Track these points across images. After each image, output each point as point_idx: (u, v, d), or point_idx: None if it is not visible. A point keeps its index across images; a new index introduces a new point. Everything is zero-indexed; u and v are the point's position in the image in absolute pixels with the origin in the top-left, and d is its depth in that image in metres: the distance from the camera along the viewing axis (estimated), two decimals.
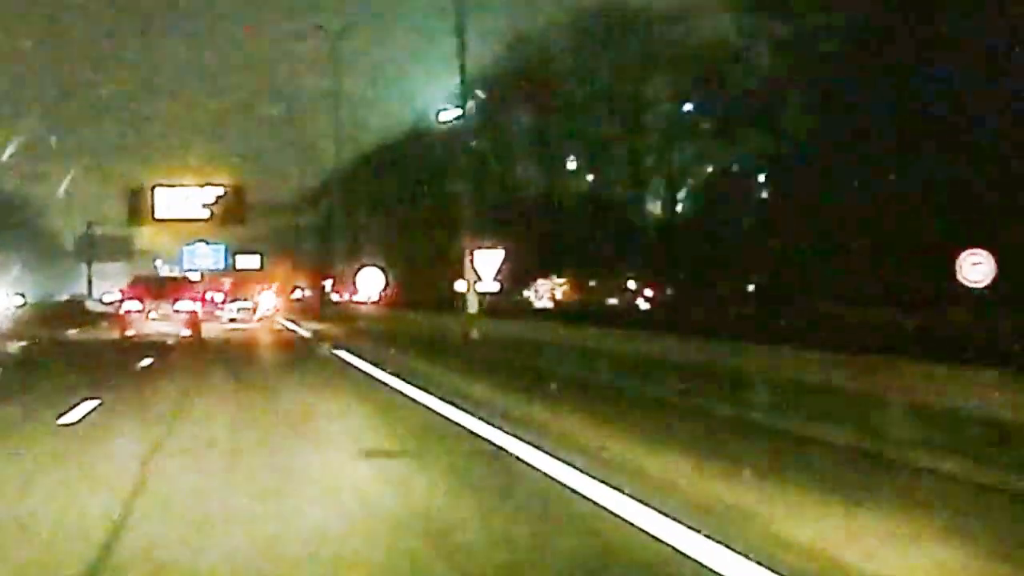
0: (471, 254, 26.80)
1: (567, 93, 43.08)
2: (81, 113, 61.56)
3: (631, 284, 46.28)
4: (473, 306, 26.60)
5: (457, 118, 54.12)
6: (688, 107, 42.97)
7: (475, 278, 26.68)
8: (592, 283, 42.70)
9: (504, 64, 44.55)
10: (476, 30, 31.64)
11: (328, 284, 66.35)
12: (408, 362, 20.46)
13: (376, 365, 19.59)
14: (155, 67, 63.48)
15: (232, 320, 58.00)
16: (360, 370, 19.46)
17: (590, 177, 46.52)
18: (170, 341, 29.92)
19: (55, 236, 66.70)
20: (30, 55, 57.45)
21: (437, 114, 55.85)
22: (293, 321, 54.93)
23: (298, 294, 77.23)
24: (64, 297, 61.37)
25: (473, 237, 27.37)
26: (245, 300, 69.58)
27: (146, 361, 21.48)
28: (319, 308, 60.37)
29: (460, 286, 50.62)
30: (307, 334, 38.70)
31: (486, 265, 26.79)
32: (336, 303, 58.91)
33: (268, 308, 68.26)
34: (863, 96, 28.02)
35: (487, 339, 24.44)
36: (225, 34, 64.21)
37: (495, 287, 27.10)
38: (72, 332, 39.20)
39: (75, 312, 50.38)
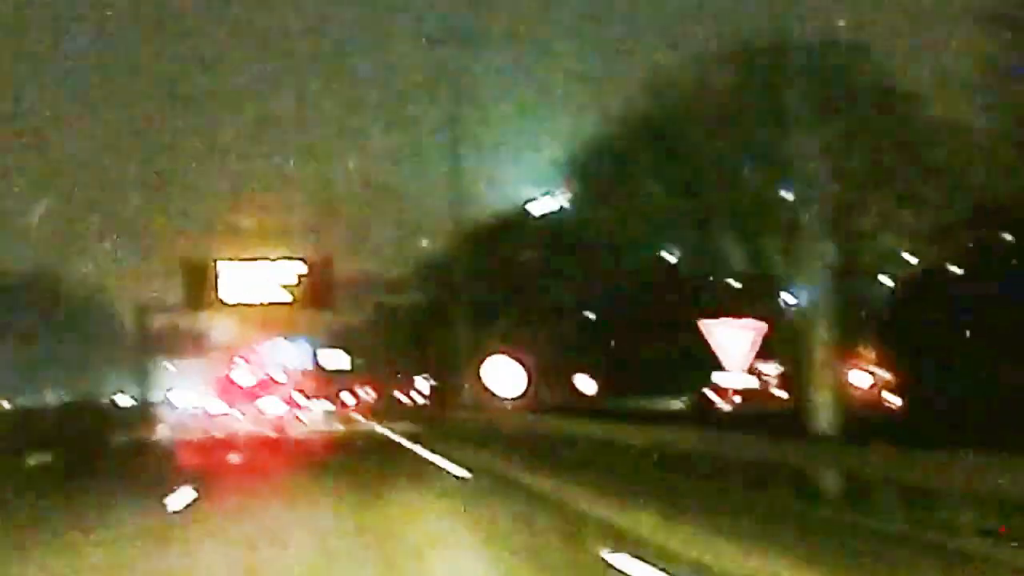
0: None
1: (713, 148, 34.40)
2: (131, 179, 56.13)
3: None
4: (827, 416, 16.61)
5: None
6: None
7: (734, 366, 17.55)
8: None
9: (637, 112, 36.73)
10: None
11: (418, 381, 58.20)
12: None
13: None
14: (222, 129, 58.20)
15: (314, 422, 51.53)
16: None
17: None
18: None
19: (109, 320, 58.22)
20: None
21: (524, 204, 48.77)
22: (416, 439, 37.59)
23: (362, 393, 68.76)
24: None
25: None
26: (329, 401, 62.30)
27: None
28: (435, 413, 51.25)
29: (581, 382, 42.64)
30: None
31: (734, 344, 17.81)
32: (412, 404, 50.80)
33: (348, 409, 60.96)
34: None
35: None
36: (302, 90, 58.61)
37: (748, 380, 18.44)
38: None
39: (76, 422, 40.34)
